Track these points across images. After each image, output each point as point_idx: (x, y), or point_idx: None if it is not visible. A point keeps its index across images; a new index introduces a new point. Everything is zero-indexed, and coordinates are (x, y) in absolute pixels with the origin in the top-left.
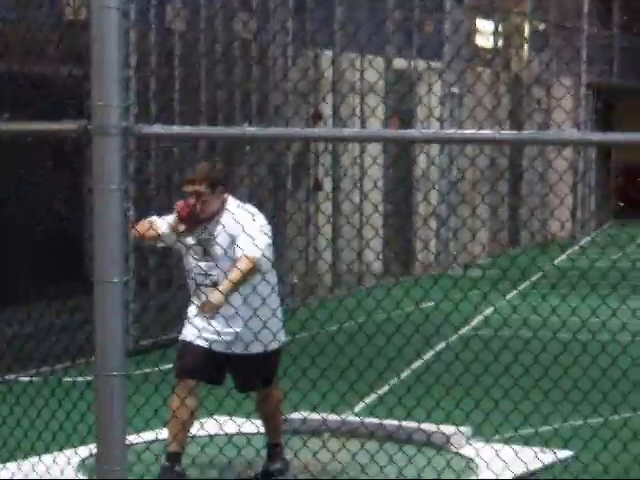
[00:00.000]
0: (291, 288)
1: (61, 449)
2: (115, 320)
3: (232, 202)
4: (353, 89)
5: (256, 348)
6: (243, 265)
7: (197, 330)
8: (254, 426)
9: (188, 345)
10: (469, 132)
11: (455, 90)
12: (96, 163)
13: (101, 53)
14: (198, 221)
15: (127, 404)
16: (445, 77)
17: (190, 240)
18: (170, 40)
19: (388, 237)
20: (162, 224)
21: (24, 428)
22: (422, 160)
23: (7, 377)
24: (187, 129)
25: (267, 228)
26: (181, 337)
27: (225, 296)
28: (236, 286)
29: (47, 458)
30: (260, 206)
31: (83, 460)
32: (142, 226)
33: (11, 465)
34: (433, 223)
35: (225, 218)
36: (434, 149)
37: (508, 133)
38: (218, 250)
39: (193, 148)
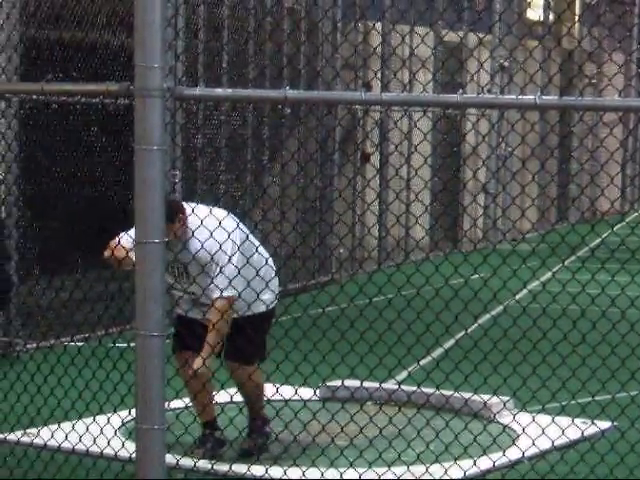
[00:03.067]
0: (339, 263)
1: (115, 410)
2: (155, 280)
3: (194, 221)
4: (403, 64)
5: (242, 310)
6: (221, 308)
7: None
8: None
9: (180, 319)
10: (509, 97)
11: (506, 64)
12: (137, 124)
13: (143, 15)
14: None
15: (166, 365)
16: (496, 52)
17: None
18: (220, 12)
19: (436, 213)
20: (128, 243)
21: (78, 390)
22: (472, 136)
23: (53, 342)
24: (229, 92)
25: (234, 235)
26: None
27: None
28: (220, 333)
29: (89, 420)
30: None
31: (123, 421)
32: (111, 247)
33: (54, 426)
34: (481, 199)
35: (192, 241)
36: (483, 126)
37: (549, 98)
38: (194, 272)
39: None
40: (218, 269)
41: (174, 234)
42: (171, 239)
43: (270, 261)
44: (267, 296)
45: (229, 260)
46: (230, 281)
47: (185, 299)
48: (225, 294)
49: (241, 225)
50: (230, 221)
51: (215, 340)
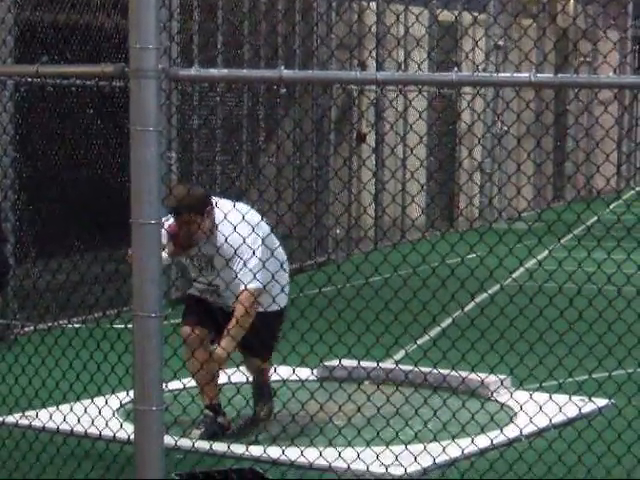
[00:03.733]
0: (336, 242)
1: (113, 392)
2: (152, 261)
3: (219, 215)
4: (398, 43)
5: (267, 303)
6: (246, 301)
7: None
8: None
9: (191, 298)
10: (504, 75)
11: (501, 43)
12: (133, 105)
13: None
14: (191, 245)
15: (164, 345)
16: (491, 30)
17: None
18: None
19: (433, 192)
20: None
21: (76, 372)
22: (467, 114)
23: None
24: (224, 72)
25: (258, 229)
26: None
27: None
28: (243, 328)
29: (87, 402)
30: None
31: (121, 403)
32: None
33: (52, 408)
34: (478, 178)
35: (217, 235)
36: (479, 104)
37: (544, 76)
38: (218, 265)
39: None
40: (242, 263)
41: (198, 226)
42: (196, 232)
43: (285, 263)
44: (282, 293)
45: (253, 253)
46: (255, 274)
47: (208, 291)
48: (250, 286)
49: (264, 220)
50: (254, 215)
51: (238, 334)
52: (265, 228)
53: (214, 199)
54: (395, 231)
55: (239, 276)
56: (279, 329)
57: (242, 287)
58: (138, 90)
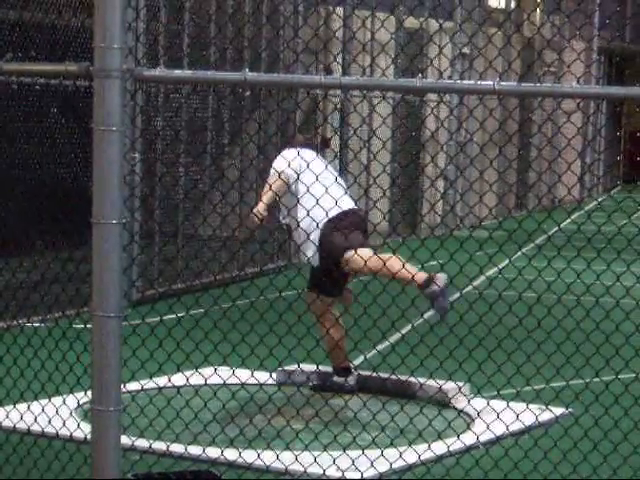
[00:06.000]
0: (297, 246)
1: (71, 391)
2: (112, 262)
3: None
4: (363, 48)
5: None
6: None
7: None
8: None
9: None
10: (468, 82)
11: (466, 51)
12: (97, 105)
13: None
14: None
15: (123, 346)
16: (457, 38)
17: None
18: None
19: (395, 198)
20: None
21: (34, 371)
22: (431, 121)
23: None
24: (188, 73)
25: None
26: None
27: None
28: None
29: (45, 401)
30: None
31: (79, 402)
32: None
33: (9, 407)
34: (440, 185)
35: None
36: (443, 111)
37: (507, 84)
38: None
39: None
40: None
41: None
42: None
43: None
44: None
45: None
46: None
47: None
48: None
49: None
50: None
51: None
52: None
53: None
54: None
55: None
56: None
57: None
58: (102, 90)
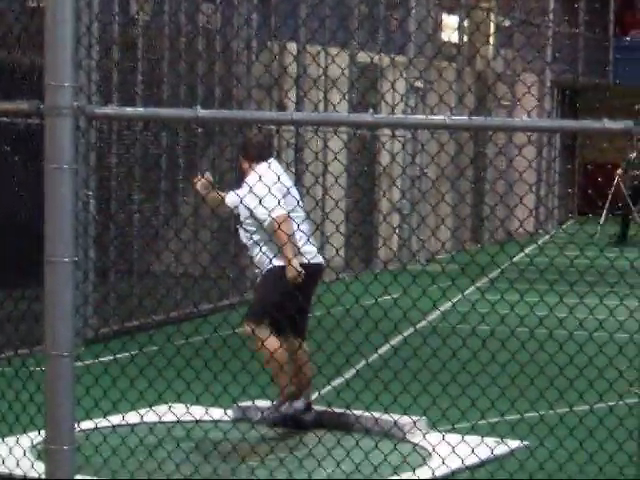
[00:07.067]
0: (252, 282)
1: (24, 431)
2: (65, 300)
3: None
4: (316, 83)
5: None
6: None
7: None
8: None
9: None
10: (420, 117)
11: (419, 85)
12: (48, 143)
13: (54, 34)
14: None
15: (76, 385)
16: (410, 73)
17: None
18: (133, 31)
19: (349, 232)
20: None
21: None
22: (385, 156)
23: None
24: (139, 111)
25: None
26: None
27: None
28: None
29: None
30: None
31: (33, 442)
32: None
33: None
34: (395, 219)
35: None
36: (398, 146)
37: (459, 119)
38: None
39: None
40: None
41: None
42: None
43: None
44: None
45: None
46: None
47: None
48: (274, 214)
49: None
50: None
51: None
52: (286, 185)
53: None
54: None
55: (257, 214)
56: (283, 290)
57: (268, 219)
58: (53, 128)
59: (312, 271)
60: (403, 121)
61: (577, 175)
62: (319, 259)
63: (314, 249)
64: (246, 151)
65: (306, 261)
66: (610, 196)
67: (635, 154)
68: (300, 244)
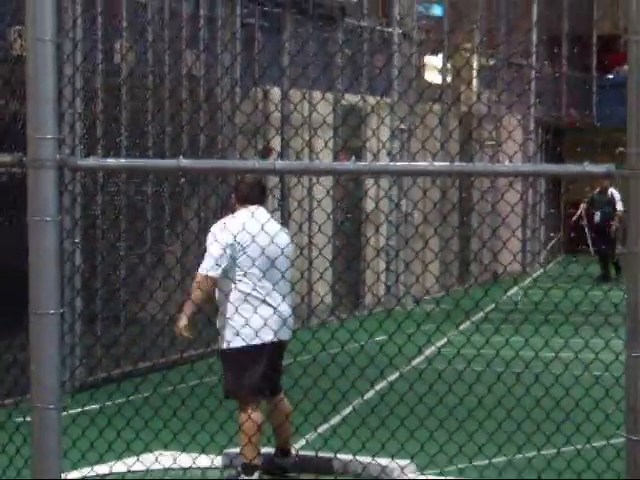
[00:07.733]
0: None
1: None
2: (51, 352)
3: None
4: (301, 126)
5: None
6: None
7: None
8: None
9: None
10: (402, 164)
11: (403, 126)
12: (31, 195)
13: (36, 85)
14: None
15: (62, 437)
16: (392, 115)
17: None
18: (117, 78)
19: (339, 271)
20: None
21: None
22: (369, 201)
23: None
24: (122, 162)
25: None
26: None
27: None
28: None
29: None
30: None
31: None
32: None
33: None
34: (382, 264)
35: None
36: (385, 183)
37: (442, 165)
38: None
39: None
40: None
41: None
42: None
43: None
44: (247, 330)
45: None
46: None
47: None
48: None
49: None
50: (252, 225)
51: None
52: (251, 235)
53: (255, 207)
54: (296, 319)
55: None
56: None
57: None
58: (36, 180)
59: (276, 346)
60: (386, 168)
61: (563, 214)
62: (286, 334)
63: (288, 309)
64: (236, 191)
65: (270, 340)
66: (588, 234)
67: (597, 190)
68: (275, 303)
